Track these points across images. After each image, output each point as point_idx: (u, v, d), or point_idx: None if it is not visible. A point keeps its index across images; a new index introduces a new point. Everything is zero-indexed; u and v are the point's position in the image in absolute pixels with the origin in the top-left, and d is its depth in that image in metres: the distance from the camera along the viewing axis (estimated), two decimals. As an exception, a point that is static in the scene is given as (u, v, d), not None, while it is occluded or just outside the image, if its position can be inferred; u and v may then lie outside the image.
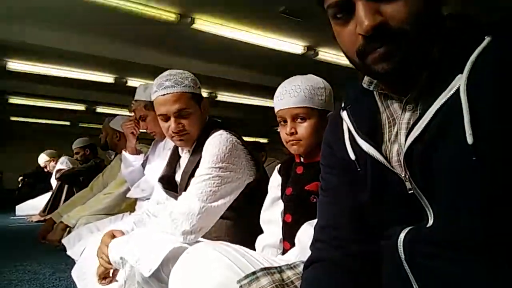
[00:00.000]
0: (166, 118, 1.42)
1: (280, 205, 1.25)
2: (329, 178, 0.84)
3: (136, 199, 2.24)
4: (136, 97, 2.09)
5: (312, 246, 0.82)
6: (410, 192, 0.68)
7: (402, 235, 0.68)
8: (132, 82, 6.45)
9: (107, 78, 6.25)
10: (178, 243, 1.16)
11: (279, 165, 1.33)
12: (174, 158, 1.60)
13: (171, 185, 1.57)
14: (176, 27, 4.32)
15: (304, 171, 1.19)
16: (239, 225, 1.44)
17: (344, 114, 0.80)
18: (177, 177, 1.58)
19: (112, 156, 3.08)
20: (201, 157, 1.40)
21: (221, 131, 1.39)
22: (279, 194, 1.26)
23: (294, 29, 4.74)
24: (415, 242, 0.66)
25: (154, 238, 1.18)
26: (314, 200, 1.12)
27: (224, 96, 7.55)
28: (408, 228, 0.68)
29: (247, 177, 1.39)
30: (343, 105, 0.83)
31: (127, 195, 2.17)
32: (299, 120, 1.16)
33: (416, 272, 0.66)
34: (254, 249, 1.40)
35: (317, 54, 5.40)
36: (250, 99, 7.78)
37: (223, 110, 8.25)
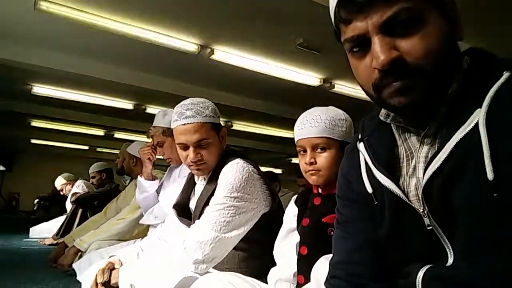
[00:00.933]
0: (185, 147, 1.43)
1: (296, 236, 1.22)
2: (346, 211, 0.82)
3: (148, 226, 2.23)
4: (154, 123, 2.11)
5: (327, 283, 0.79)
6: (429, 228, 0.66)
7: (420, 274, 0.65)
8: (151, 109, 6.58)
9: (127, 104, 6.39)
10: (189, 273, 1.14)
11: (296, 195, 1.31)
12: (190, 185, 1.59)
13: (185, 212, 1.56)
14: (196, 57, 4.43)
15: (322, 202, 1.17)
16: (252, 256, 1.41)
17: (361, 146, 0.79)
18: (191, 204, 1.57)
19: (127, 182, 3.09)
20: (216, 185, 1.39)
21: (237, 160, 1.38)
22: (295, 225, 1.23)
23: (311, 61, 4.81)
24: (434, 281, 0.63)
25: (165, 266, 1.16)
26: (332, 232, 1.09)
27: (239, 126, 7.61)
28: (427, 267, 0.65)
29: (262, 208, 1.37)
30: (359, 136, 0.83)
31: (140, 221, 2.16)
32: (319, 150, 1.15)
33: None
34: (267, 282, 1.36)
35: (333, 86, 5.44)
36: (265, 129, 7.82)
37: (238, 139, 8.30)
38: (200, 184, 1.53)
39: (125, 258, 1.34)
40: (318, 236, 1.12)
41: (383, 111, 0.78)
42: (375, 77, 0.66)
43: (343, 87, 5.48)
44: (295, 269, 1.16)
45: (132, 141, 3.05)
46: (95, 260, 1.98)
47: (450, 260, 0.64)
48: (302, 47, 4.37)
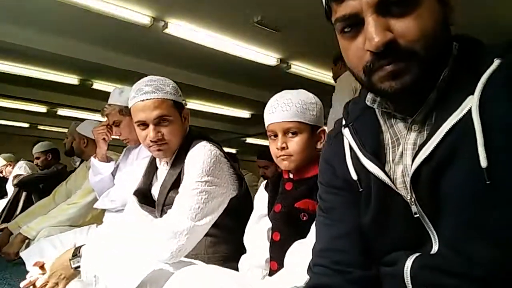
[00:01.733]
0: (144, 126, 1.33)
1: (267, 222, 1.20)
2: (329, 198, 0.80)
3: (104, 210, 2.11)
4: (110, 101, 1.98)
5: (310, 271, 0.77)
6: (416, 216, 0.65)
7: (408, 263, 0.65)
8: (98, 85, 6.22)
9: (72, 79, 5.98)
10: (159, 265, 1.08)
11: (266, 181, 1.28)
12: (151, 170, 1.51)
13: (147, 199, 1.48)
14: (148, 30, 4.21)
15: (294, 187, 1.15)
16: (219, 242, 1.37)
17: (346, 132, 0.77)
18: (153, 190, 1.49)
19: (78, 163, 2.91)
20: (182, 169, 1.33)
21: (204, 142, 1.32)
22: (266, 211, 1.21)
23: (269, 40, 4.75)
24: (423, 270, 0.63)
25: (133, 257, 1.09)
26: (305, 218, 1.08)
27: (193, 104, 7.44)
28: (415, 255, 0.65)
29: (230, 192, 1.33)
30: (344, 122, 0.80)
31: (95, 206, 2.03)
32: (290, 134, 1.12)
33: None
34: (236, 269, 1.34)
35: (289, 67, 5.43)
36: (220, 108, 7.71)
37: (192, 118, 8.12)
38: (163, 168, 1.45)
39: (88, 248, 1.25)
40: (290, 222, 1.10)
41: (369, 96, 0.76)
42: (366, 60, 0.64)
43: (299, 68, 5.48)
44: (267, 255, 1.14)
45: (77, 118, 2.85)
46: (46, 249, 1.85)
47: (435, 248, 0.64)
48: (260, 25, 4.29)
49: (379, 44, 0.60)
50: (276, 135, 1.14)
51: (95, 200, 2.15)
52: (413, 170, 0.64)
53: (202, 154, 1.26)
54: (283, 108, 1.11)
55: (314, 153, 1.15)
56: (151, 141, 1.32)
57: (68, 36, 4.55)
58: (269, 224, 1.19)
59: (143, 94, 1.31)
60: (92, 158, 2.04)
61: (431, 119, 0.66)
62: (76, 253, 1.22)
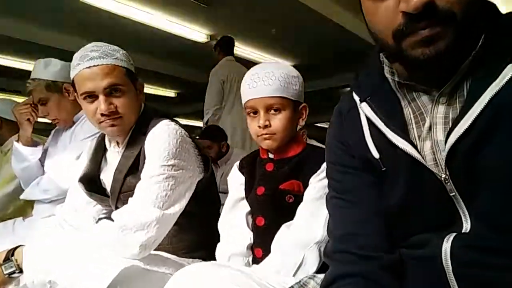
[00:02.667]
0: (93, 98, 1.12)
1: (244, 206, 1.10)
2: (344, 178, 0.73)
3: (30, 202, 1.83)
4: (33, 75, 1.68)
5: (329, 259, 0.70)
6: (451, 194, 0.61)
7: (446, 244, 0.60)
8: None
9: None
10: (128, 262, 0.94)
11: (239, 161, 1.18)
12: (99, 152, 1.30)
13: (95, 186, 1.29)
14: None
15: (276, 168, 1.06)
16: (185, 230, 1.24)
17: (364, 107, 0.70)
18: (103, 176, 1.30)
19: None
20: (140, 151, 1.16)
21: (166, 121, 1.17)
22: (243, 194, 1.11)
23: (199, 15, 4.53)
24: (462, 250, 0.60)
25: (96, 257, 0.93)
26: (290, 200, 1.01)
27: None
28: (452, 235, 0.61)
29: (197, 175, 1.20)
30: (357, 96, 0.74)
31: (22, 197, 1.74)
32: (272, 111, 1.02)
33: (465, 284, 0.59)
34: (204, 258, 1.23)
35: (221, 45, 5.26)
36: (148, 87, 7.28)
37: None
38: (114, 150, 1.26)
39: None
40: (276, 205, 1.02)
41: (386, 67, 0.70)
42: (399, 22, 0.58)
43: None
44: (248, 242, 1.05)
45: None
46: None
47: (467, 227, 0.61)
48: (192, -2, 4.06)
49: (418, 4, 0.54)
50: (256, 112, 1.04)
51: (18, 190, 1.85)
52: (449, 146, 0.60)
53: (166, 135, 1.11)
54: (265, 81, 1.00)
55: (295, 131, 1.07)
56: (102, 114, 1.11)
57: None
58: (248, 208, 1.09)
59: (90, 60, 1.10)
60: (15, 143, 1.73)
61: (462, 90, 0.62)
62: (8, 257, 1.01)
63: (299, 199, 1.00)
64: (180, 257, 1.21)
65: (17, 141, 1.73)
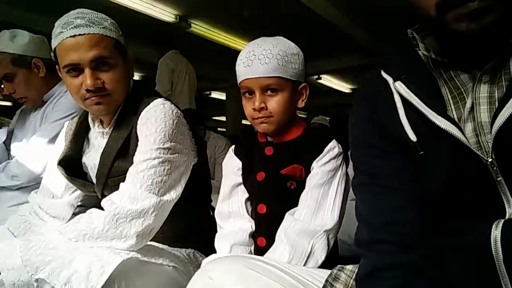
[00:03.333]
0: (77, 71, 1.00)
1: (242, 192, 1.04)
2: (379, 163, 0.69)
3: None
4: None
5: (365, 249, 0.66)
6: (498, 179, 0.58)
7: (496, 231, 0.57)
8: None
9: None
10: (125, 254, 0.85)
11: (234, 146, 1.11)
12: (80, 133, 1.18)
13: (77, 170, 1.17)
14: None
15: (275, 152, 1.00)
16: (176, 218, 1.14)
17: (400, 86, 0.66)
18: (85, 159, 1.18)
19: None
20: (131, 132, 1.06)
21: (161, 100, 1.07)
22: (240, 180, 1.05)
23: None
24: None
25: (86, 250, 0.84)
26: (292, 186, 0.96)
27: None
28: (500, 222, 0.58)
29: (191, 159, 1.12)
30: (387, 76, 0.69)
31: (-16, 184, 1.58)
32: (269, 92, 0.96)
33: None
34: (196, 247, 1.16)
35: (189, 26, 5.09)
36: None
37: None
38: (98, 131, 1.14)
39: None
40: (277, 191, 0.97)
41: (421, 45, 0.65)
42: None
43: (201, 28, 5.18)
44: (249, 230, 0.99)
45: None
46: None
47: (510, 212, 0.58)
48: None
49: None
50: (251, 93, 0.97)
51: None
52: (496, 129, 0.56)
53: (162, 115, 1.02)
54: (262, 60, 0.93)
55: (294, 113, 1.02)
56: (87, 90, 1.00)
57: None
58: (246, 194, 1.04)
59: (74, 28, 0.98)
60: None
61: (508, 68, 0.59)
62: None
63: (301, 184, 0.96)
64: (173, 247, 1.14)
65: None
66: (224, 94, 8.74)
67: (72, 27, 0.98)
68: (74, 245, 0.86)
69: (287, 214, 0.94)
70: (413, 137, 0.63)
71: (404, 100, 0.65)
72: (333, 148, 0.95)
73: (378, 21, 5.00)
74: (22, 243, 0.85)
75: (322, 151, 0.94)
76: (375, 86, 0.72)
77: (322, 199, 0.91)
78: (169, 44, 3.80)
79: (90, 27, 0.99)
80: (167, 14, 4.76)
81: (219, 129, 9.88)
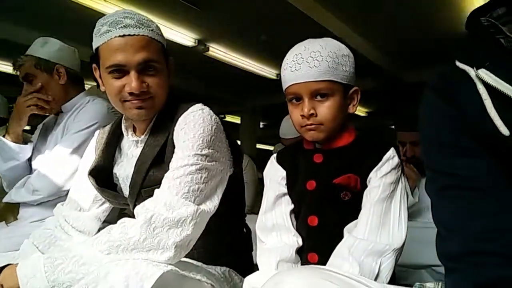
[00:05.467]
0: (121, 73, 0.95)
1: (286, 204, 0.96)
2: (464, 163, 0.60)
3: (12, 206, 1.61)
4: (27, 52, 1.52)
5: (459, 262, 0.56)
6: None
7: None
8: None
9: None
10: (163, 266, 0.77)
11: (277, 153, 1.04)
12: (112, 142, 1.13)
13: (107, 181, 1.11)
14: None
15: (325, 160, 0.93)
16: (211, 232, 1.06)
17: (484, 74, 0.58)
18: (117, 169, 1.12)
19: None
20: (167, 140, 1.00)
21: (200, 105, 1.01)
22: (284, 190, 0.97)
23: (187, 18, 4.39)
24: None
25: (121, 263, 0.76)
26: (346, 198, 0.88)
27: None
28: None
29: (228, 169, 1.04)
30: (464, 67, 0.62)
31: (5, 200, 1.51)
32: (319, 97, 0.89)
33: None
34: (232, 266, 1.08)
35: (207, 49, 5.12)
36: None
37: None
38: (132, 140, 1.09)
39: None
40: (330, 202, 0.89)
41: (505, 27, 0.59)
42: None
43: (218, 51, 5.22)
44: (295, 245, 0.90)
45: None
46: None
47: None
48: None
49: None
50: (299, 99, 0.90)
51: (-1, 192, 1.63)
52: None
53: (200, 120, 0.95)
54: (310, 63, 0.87)
55: (345, 119, 0.94)
56: (130, 93, 0.95)
57: None
58: (291, 206, 0.96)
59: (123, 28, 0.93)
60: (2, 139, 1.51)
61: None
62: None
63: (355, 196, 0.88)
64: (207, 265, 1.05)
65: (5, 136, 1.51)
66: (239, 118, 8.74)
67: (121, 27, 0.93)
68: (107, 259, 0.78)
69: (345, 231, 0.86)
70: (505, 130, 0.56)
71: (490, 90, 0.58)
72: (392, 157, 0.87)
73: (399, 45, 5.00)
74: (47, 262, 0.78)
75: (380, 160, 0.87)
76: (451, 79, 0.64)
77: (385, 215, 0.84)
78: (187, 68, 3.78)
79: (139, 28, 0.95)
80: (186, 38, 4.81)
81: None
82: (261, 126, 9.22)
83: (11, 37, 4.30)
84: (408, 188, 1.73)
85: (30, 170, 1.55)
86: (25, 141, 1.55)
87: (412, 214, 1.69)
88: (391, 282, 0.80)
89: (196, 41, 4.93)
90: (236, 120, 8.90)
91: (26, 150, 1.52)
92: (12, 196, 1.49)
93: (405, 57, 5.53)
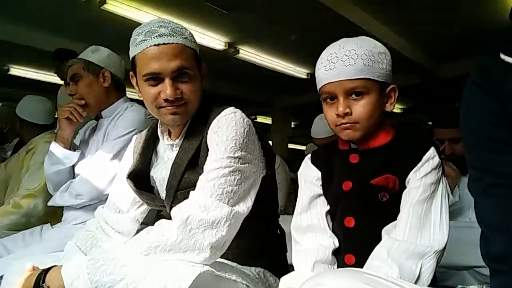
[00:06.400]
0: (156, 81, 0.99)
1: (322, 205, 0.96)
2: (509, 160, 0.58)
3: (57, 208, 1.68)
4: (79, 56, 1.62)
5: (504, 264, 0.54)
6: None
7: None
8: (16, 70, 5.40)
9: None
10: (200, 267, 0.79)
11: (311, 154, 1.03)
12: (149, 146, 1.16)
13: (145, 183, 1.14)
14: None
15: (362, 160, 0.91)
16: (245, 233, 1.07)
17: None
18: (154, 172, 1.15)
19: (9, 153, 2.37)
20: (201, 143, 1.02)
21: (232, 108, 1.02)
22: (319, 190, 0.96)
23: (217, 21, 4.45)
24: None
25: (156, 262, 0.79)
26: (384, 199, 0.86)
27: (129, 93, 6.84)
28: None
29: (260, 171, 1.05)
30: (505, 58, 0.59)
31: (49, 203, 1.59)
32: (354, 96, 0.87)
33: None
34: (267, 267, 1.08)
35: (237, 51, 5.18)
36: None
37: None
38: (167, 143, 1.12)
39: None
40: (368, 203, 0.87)
41: None
42: None
43: (248, 53, 5.26)
44: (332, 246, 0.90)
45: None
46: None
47: None
48: (209, 3, 3.97)
49: None
50: (334, 98, 0.89)
51: (44, 204, 1.73)
52: None
53: (233, 123, 0.97)
54: (345, 62, 0.85)
55: (382, 118, 0.92)
56: (165, 100, 0.98)
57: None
58: (327, 207, 0.95)
59: (159, 37, 0.96)
60: (52, 143, 1.59)
61: None
62: (38, 283, 0.84)
63: (394, 197, 0.86)
64: (242, 266, 1.06)
65: (55, 142, 1.59)
66: (270, 118, 8.75)
67: (156, 36, 0.97)
68: (145, 260, 0.80)
69: (384, 233, 0.84)
70: None
71: None
72: (432, 157, 0.85)
73: (433, 39, 4.85)
74: (89, 264, 0.81)
75: (419, 160, 0.85)
76: (494, 73, 0.62)
77: (425, 217, 0.82)
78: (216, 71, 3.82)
79: (173, 36, 0.98)
80: (217, 42, 4.88)
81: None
82: (292, 126, 9.19)
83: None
84: (448, 187, 1.67)
85: (73, 174, 1.62)
86: (73, 148, 1.62)
87: (453, 213, 1.63)
88: (431, 284, 0.78)
89: (227, 44, 5.00)
90: (268, 120, 8.92)
91: (72, 157, 1.58)
92: (57, 200, 1.56)
93: (441, 51, 5.35)
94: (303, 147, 6.65)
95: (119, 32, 4.40)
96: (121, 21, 4.07)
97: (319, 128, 2.30)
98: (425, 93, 7.02)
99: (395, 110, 8.19)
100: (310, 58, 5.80)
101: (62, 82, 2.70)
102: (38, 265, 1.01)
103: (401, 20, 4.41)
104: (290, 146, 9.05)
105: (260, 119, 9.31)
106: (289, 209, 2.81)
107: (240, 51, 5.17)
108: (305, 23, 4.38)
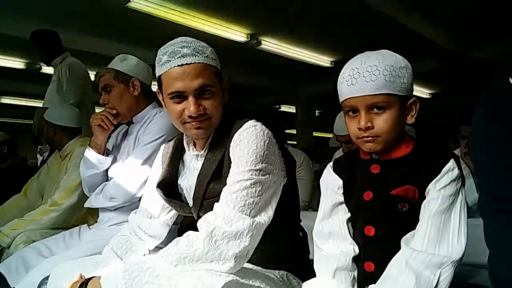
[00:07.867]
0: (181, 98, 1.05)
1: (343, 212, 0.99)
2: None
3: (93, 210, 1.79)
4: (108, 66, 1.68)
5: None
6: None
7: None
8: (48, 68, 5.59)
9: (17, 63, 5.33)
10: (225, 276, 0.85)
11: (333, 162, 1.06)
12: (176, 156, 1.23)
13: (173, 192, 1.21)
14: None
15: (383, 170, 0.94)
16: (268, 240, 1.12)
17: None
18: (181, 181, 1.22)
19: (45, 154, 2.50)
20: (224, 155, 1.08)
21: (253, 122, 1.07)
22: (341, 199, 0.99)
23: (238, 12, 4.45)
24: None
25: (186, 272, 0.86)
26: (404, 209, 0.88)
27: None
28: None
29: (281, 180, 1.09)
30: None
31: (85, 205, 1.69)
32: (375, 110, 0.89)
33: None
34: (291, 271, 1.13)
35: (260, 43, 5.18)
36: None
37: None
38: (193, 154, 1.18)
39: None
40: (387, 213, 0.90)
41: None
42: None
43: (270, 44, 5.25)
44: (352, 253, 0.94)
45: (24, 107, 2.43)
46: (34, 260, 1.51)
47: None
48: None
49: None
50: (356, 111, 0.92)
51: (81, 200, 1.82)
52: None
53: (254, 136, 1.02)
54: (367, 77, 0.87)
55: (402, 130, 0.94)
56: (189, 116, 1.05)
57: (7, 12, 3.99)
58: (348, 215, 0.98)
59: (181, 58, 1.02)
60: (87, 149, 1.69)
61: None
62: None
63: (413, 207, 0.88)
64: (266, 269, 1.12)
65: (89, 147, 1.69)
66: (294, 107, 8.73)
67: (179, 57, 1.03)
68: (176, 270, 0.87)
69: (403, 242, 0.87)
70: None
71: None
72: (452, 169, 0.86)
73: (460, 21, 4.69)
74: (125, 274, 0.89)
75: (439, 172, 0.86)
76: (503, 97, 0.63)
77: (444, 227, 0.84)
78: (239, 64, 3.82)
79: (195, 56, 1.03)
80: (239, 34, 4.89)
81: (288, 142, 9.89)
82: (316, 114, 9.13)
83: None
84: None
85: (107, 177, 1.71)
86: (106, 153, 1.71)
87: (477, 211, 1.63)
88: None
89: (249, 36, 5.00)
90: (292, 109, 8.89)
91: (105, 161, 1.68)
92: (93, 202, 1.66)
93: (469, 36, 5.17)
94: (328, 135, 6.62)
95: (145, 30, 4.53)
96: (144, 18, 4.16)
97: (341, 125, 2.30)
98: (454, 76, 6.82)
99: (423, 96, 8.01)
100: (333, 46, 5.75)
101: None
102: (79, 268, 1.11)
103: (427, 4, 4.28)
104: (315, 134, 9.00)
105: (284, 108, 9.30)
106: (313, 203, 2.83)
107: (262, 42, 5.17)
108: (327, 12, 4.33)
